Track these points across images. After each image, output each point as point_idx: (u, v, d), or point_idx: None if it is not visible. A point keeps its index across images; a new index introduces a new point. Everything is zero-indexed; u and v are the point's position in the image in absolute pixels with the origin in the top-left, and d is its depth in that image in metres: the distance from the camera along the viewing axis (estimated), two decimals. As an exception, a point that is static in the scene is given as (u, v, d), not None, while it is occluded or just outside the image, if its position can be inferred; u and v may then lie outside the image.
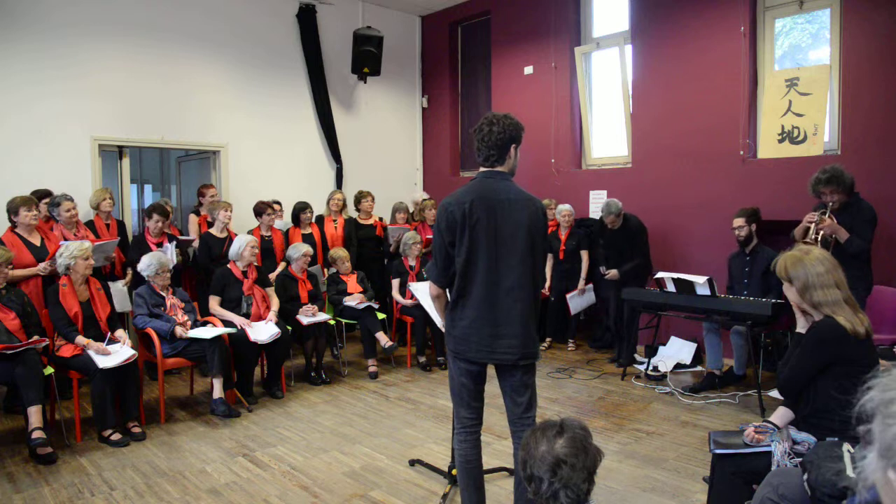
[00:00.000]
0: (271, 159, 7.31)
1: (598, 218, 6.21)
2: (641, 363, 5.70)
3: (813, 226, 4.19)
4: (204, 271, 5.50)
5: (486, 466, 3.36)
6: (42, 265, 4.52)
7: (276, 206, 6.28)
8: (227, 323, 4.80)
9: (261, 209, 5.94)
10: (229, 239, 5.53)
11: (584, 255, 6.30)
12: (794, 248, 2.52)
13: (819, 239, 4.18)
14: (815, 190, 4.26)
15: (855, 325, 2.31)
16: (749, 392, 4.84)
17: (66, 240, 4.68)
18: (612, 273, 5.76)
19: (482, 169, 2.65)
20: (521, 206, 2.57)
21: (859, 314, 2.37)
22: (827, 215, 4.19)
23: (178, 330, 4.46)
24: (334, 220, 6.55)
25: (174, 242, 5.38)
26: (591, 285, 6.33)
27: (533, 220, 2.58)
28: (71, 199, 4.98)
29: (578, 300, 6.30)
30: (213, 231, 5.64)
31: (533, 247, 2.59)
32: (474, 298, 2.57)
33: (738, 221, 4.99)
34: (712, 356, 5.13)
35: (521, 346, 2.58)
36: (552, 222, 6.39)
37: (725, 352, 5.20)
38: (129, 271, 5.39)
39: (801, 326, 2.52)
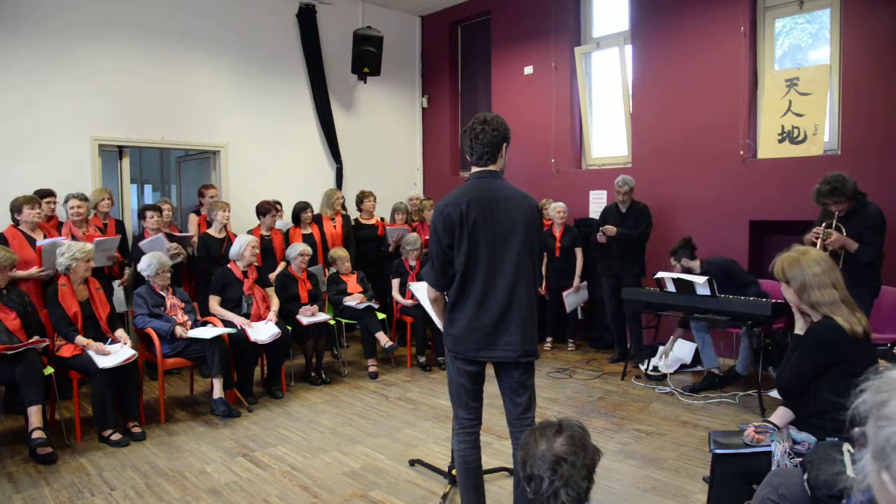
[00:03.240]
0: (271, 159, 7.31)
1: (598, 217, 6.21)
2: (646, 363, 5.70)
3: (819, 241, 4.08)
4: (203, 272, 5.51)
5: (486, 466, 3.35)
6: (34, 270, 4.53)
7: (278, 207, 6.28)
8: (227, 323, 4.80)
9: (265, 209, 5.92)
10: (227, 239, 5.54)
11: (579, 252, 6.32)
12: (791, 248, 2.52)
13: (828, 254, 4.09)
14: (818, 201, 4.18)
15: (853, 325, 2.31)
16: (749, 392, 4.84)
17: (74, 237, 4.72)
18: (611, 229, 5.69)
19: (475, 169, 2.66)
20: (517, 204, 2.58)
21: (857, 314, 2.37)
22: (833, 226, 4.11)
23: (178, 330, 4.46)
24: (332, 219, 6.55)
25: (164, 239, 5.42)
26: (585, 283, 6.35)
27: (528, 217, 2.59)
28: (77, 198, 5.03)
29: (574, 297, 6.31)
30: (211, 231, 5.64)
31: (530, 244, 2.59)
32: (473, 297, 2.57)
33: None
34: (707, 355, 5.14)
35: (520, 343, 2.58)
36: (546, 221, 6.42)
37: (727, 351, 5.20)
38: (126, 271, 5.40)
39: (800, 328, 2.52)
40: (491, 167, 2.63)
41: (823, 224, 4.15)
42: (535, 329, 2.66)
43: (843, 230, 4.10)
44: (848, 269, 3.86)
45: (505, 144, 2.64)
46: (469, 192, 2.57)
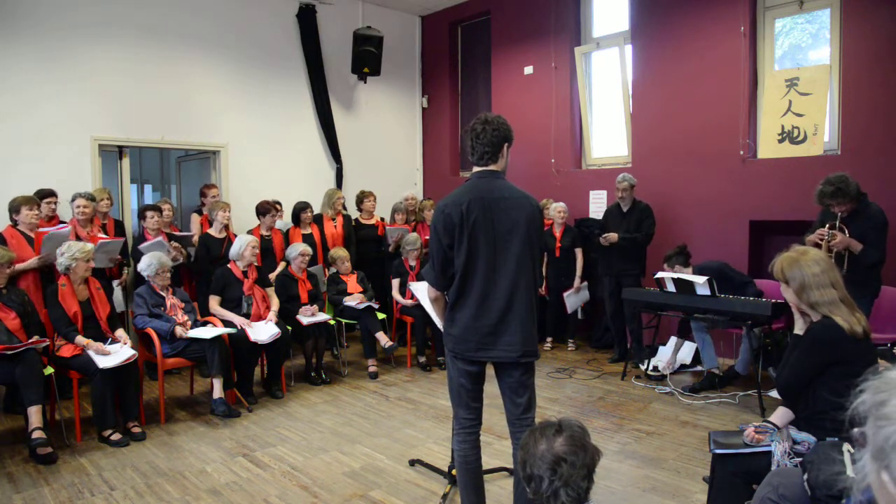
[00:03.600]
0: (271, 159, 7.31)
1: (599, 217, 6.22)
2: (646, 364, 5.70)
3: (824, 243, 4.05)
4: (203, 271, 5.51)
5: (486, 466, 3.35)
6: (33, 260, 4.53)
7: (278, 206, 6.28)
8: (227, 323, 4.80)
9: (265, 209, 5.93)
10: (228, 239, 5.54)
11: (579, 252, 6.32)
12: (791, 249, 2.51)
13: (833, 256, 4.00)
14: (822, 202, 4.15)
15: (853, 325, 2.31)
16: (749, 392, 4.84)
17: (77, 237, 4.71)
18: (612, 236, 5.72)
19: (476, 169, 2.67)
20: (518, 204, 2.59)
21: (856, 313, 2.37)
22: (837, 227, 4.08)
23: (178, 330, 4.46)
24: (333, 219, 6.55)
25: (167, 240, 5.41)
26: (585, 283, 6.36)
27: (529, 217, 2.60)
28: (84, 197, 5.03)
29: (574, 298, 6.32)
30: (211, 231, 5.64)
31: (530, 244, 2.60)
32: (473, 297, 2.58)
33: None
34: (706, 355, 5.14)
35: (521, 343, 2.58)
36: (547, 221, 6.43)
37: (727, 351, 5.20)
38: (125, 271, 5.40)
39: (800, 328, 2.52)
40: (492, 167, 2.63)
41: (827, 225, 4.12)
42: (536, 329, 2.67)
43: (846, 231, 4.07)
44: (850, 270, 3.85)
45: (506, 144, 2.65)
46: (470, 192, 2.58)
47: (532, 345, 2.63)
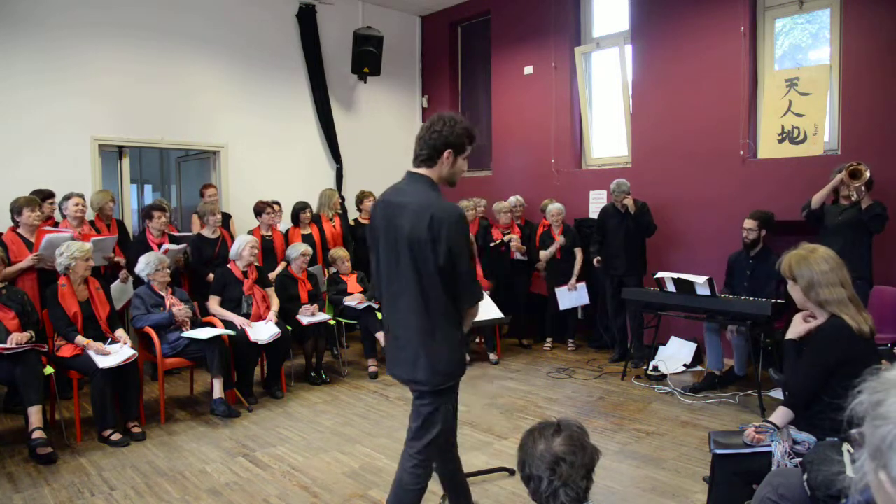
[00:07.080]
0: (271, 159, 7.31)
1: (597, 217, 6.21)
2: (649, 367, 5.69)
3: (861, 170, 4.31)
4: (195, 272, 5.51)
5: (485, 466, 3.37)
6: (29, 258, 4.51)
7: (276, 206, 6.27)
8: (227, 323, 4.80)
9: (260, 209, 5.95)
10: (222, 239, 5.54)
11: (579, 252, 6.32)
12: (799, 247, 2.50)
13: (860, 187, 4.34)
14: (845, 166, 4.42)
15: (860, 325, 2.31)
16: (749, 392, 4.84)
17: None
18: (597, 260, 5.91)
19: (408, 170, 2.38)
20: (412, 215, 2.21)
21: (863, 313, 2.36)
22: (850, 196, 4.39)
23: (177, 312, 4.44)
24: (331, 220, 6.55)
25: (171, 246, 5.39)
26: (583, 284, 6.32)
27: (415, 228, 2.19)
28: (82, 196, 5.05)
29: (568, 296, 6.28)
30: (204, 232, 5.64)
31: (415, 260, 2.22)
32: (383, 307, 2.44)
33: (750, 223, 4.92)
34: (713, 356, 5.13)
35: (411, 369, 2.30)
36: (544, 222, 6.42)
37: (726, 352, 5.20)
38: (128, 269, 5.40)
39: (793, 333, 2.50)
40: (421, 170, 2.31)
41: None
42: (438, 360, 2.27)
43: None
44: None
45: (448, 151, 2.27)
46: (383, 194, 2.42)
47: (423, 374, 2.27)
